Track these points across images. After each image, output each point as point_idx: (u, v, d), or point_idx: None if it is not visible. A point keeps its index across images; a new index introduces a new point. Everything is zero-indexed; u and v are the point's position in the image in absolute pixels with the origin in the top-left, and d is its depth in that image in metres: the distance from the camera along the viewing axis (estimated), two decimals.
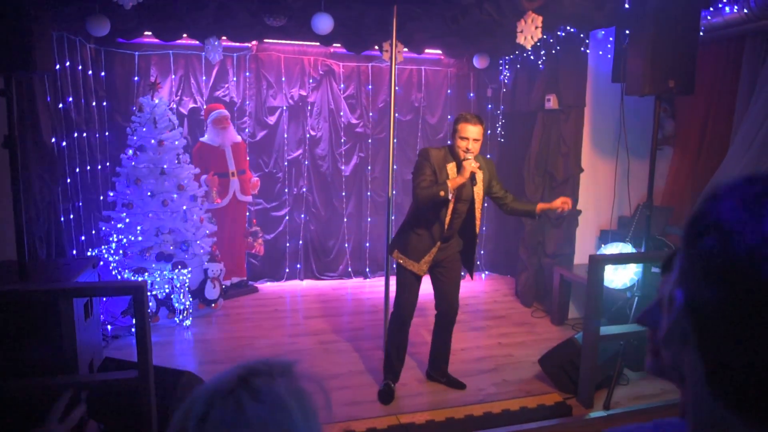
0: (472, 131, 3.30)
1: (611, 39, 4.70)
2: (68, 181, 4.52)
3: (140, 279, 4.40)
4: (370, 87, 6.13)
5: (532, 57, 5.40)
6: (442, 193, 3.24)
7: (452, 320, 3.77)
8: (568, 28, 4.82)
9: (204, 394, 0.75)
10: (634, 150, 4.69)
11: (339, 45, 5.51)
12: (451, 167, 3.38)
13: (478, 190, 3.46)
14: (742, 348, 0.54)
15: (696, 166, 4.95)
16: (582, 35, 4.80)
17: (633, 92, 3.90)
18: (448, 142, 3.50)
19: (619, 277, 4.27)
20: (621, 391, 3.79)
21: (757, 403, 0.55)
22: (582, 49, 4.85)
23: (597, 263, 3.47)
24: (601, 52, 4.85)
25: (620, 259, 3.94)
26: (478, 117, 3.36)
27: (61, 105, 4.43)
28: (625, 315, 4.16)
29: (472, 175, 3.27)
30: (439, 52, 6.01)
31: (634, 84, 3.86)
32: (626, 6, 3.72)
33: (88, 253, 4.63)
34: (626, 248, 4.27)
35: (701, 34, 4.02)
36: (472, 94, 6.39)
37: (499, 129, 6.36)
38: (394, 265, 3.76)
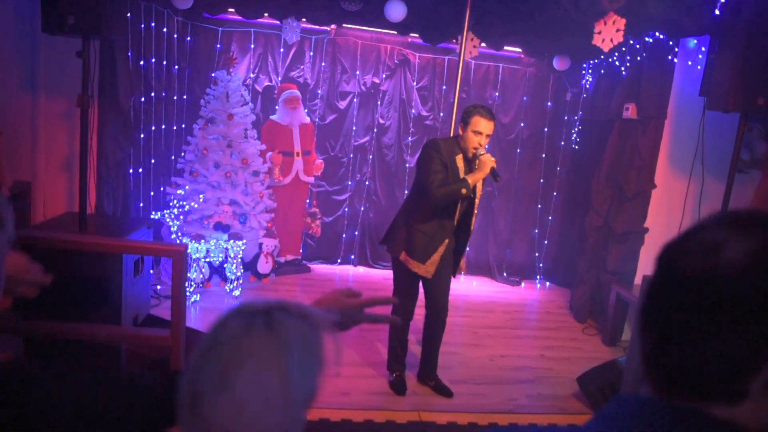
0: (487, 126, 3.19)
1: (703, 49, 4.38)
2: (142, 144, 4.76)
3: (186, 243, 4.58)
4: (444, 80, 6.04)
5: (617, 63, 5.13)
6: (464, 191, 3.16)
7: (440, 321, 3.59)
8: (657, 34, 4.54)
9: (233, 309, 0.85)
10: (714, 170, 4.36)
11: (416, 35, 5.47)
12: (460, 159, 3.29)
13: (480, 186, 3.40)
14: None
15: None
16: (671, 43, 4.50)
17: (716, 107, 3.62)
18: (459, 132, 3.34)
19: None
20: None
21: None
22: (669, 57, 4.55)
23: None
24: (690, 63, 4.52)
25: None
26: (491, 111, 3.25)
27: (143, 72, 4.67)
28: None
29: (494, 171, 3.16)
30: (519, 50, 5.83)
31: (718, 99, 3.57)
32: (716, 12, 3.43)
33: (152, 216, 4.86)
34: None
35: None
36: (549, 100, 6.16)
37: (574, 135, 6.11)
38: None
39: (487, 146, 3.31)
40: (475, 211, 3.46)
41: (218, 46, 5.57)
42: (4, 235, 0.99)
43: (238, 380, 0.77)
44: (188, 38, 5.45)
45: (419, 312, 3.65)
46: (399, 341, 3.67)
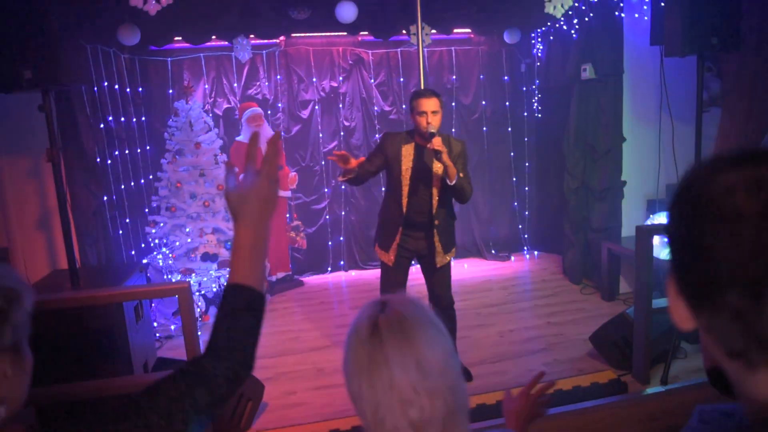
0: (427, 104, 3.14)
1: None
2: (113, 188, 4.65)
3: (187, 280, 4.50)
4: (401, 72, 6.07)
5: (565, 27, 5.23)
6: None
7: (443, 312, 3.57)
8: None
9: (363, 319, 1.00)
10: (679, 115, 4.49)
11: (366, 33, 5.47)
12: (408, 148, 3.27)
13: (437, 168, 3.25)
14: None
15: (746, 127, 4.70)
16: None
17: (673, 53, 3.71)
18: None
19: None
20: (679, 365, 3.66)
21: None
22: (616, 13, 4.67)
23: (644, 234, 3.34)
24: (637, 15, 4.65)
25: None
26: (432, 90, 3.23)
27: (100, 114, 4.55)
28: None
29: (437, 152, 3.05)
30: (468, 30, 5.90)
31: (674, 44, 3.67)
32: None
33: (137, 259, 4.76)
34: None
35: None
36: (505, 74, 6.25)
37: (535, 105, 6.21)
38: None
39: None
40: (434, 194, 3.29)
41: (170, 77, 5.47)
42: (23, 311, 0.92)
43: (421, 354, 0.93)
44: (138, 74, 5.33)
45: None
46: None
